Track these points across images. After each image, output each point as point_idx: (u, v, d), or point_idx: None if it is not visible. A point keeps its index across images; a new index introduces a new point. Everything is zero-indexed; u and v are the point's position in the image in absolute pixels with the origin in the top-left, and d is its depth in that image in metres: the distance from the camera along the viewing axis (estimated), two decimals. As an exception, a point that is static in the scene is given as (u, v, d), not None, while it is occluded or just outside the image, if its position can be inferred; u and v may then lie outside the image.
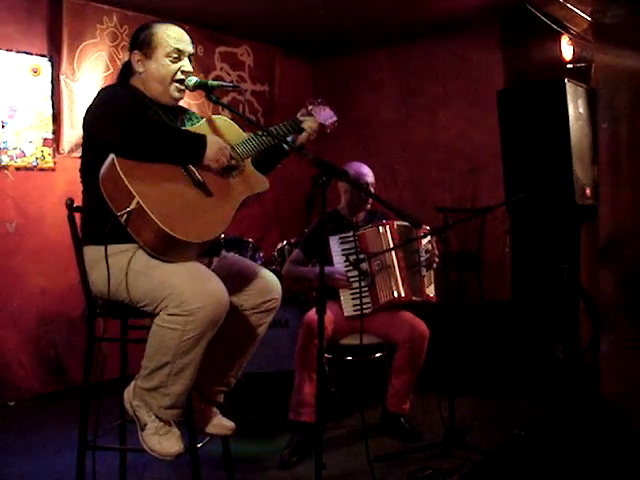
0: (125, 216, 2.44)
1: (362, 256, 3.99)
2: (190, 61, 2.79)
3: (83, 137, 2.75)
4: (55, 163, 5.24)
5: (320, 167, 2.53)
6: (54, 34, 5.21)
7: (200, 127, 2.80)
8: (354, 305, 4.06)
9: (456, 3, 5.70)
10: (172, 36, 2.74)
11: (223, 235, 4.50)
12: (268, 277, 2.89)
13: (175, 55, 2.73)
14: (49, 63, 5.19)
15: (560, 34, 5.50)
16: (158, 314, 2.51)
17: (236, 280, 2.80)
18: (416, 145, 6.83)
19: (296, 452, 3.80)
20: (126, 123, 2.48)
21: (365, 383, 4.69)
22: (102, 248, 2.58)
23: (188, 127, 2.83)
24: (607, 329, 4.02)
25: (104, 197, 2.50)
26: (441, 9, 5.84)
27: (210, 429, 2.86)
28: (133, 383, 2.66)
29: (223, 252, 2.95)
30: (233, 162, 2.68)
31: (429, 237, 4.16)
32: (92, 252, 2.67)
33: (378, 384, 4.43)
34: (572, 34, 5.40)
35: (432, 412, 4.03)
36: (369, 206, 4.39)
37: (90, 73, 5.34)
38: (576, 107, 4.53)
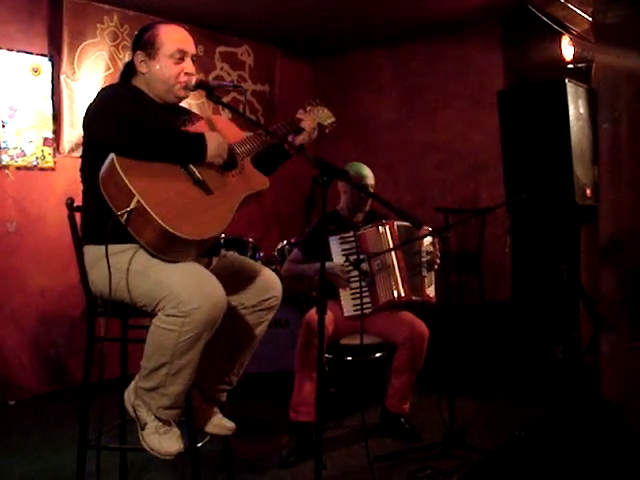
0: (125, 215, 2.44)
1: (362, 256, 3.99)
2: (193, 61, 2.79)
3: (83, 137, 2.75)
4: (55, 163, 5.24)
5: (320, 167, 2.53)
6: (54, 34, 5.21)
7: (199, 127, 2.80)
8: (354, 305, 4.06)
9: (457, 3, 5.70)
10: (175, 37, 2.75)
11: (223, 235, 4.53)
12: (268, 275, 2.89)
13: (178, 56, 2.73)
14: (49, 63, 5.19)
15: (561, 34, 5.50)
16: (157, 314, 2.51)
17: (236, 278, 2.80)
18: (416, 145, 6.83)
19: (296, 452, 3.79)
20: (126, 122, 2.48)
21: (365, 383, 4.69)
22: (102, 248, 2.57)
23: (188, 127, 2.83)
24: (607, 330, 4.01)
25: (104, 197, 2.50)
26: (442, 9, 5.85)
27: (210, 429, 2.86)
28: (133, 383, 2.66)
29: (223, 251, 2.95)
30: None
31: (430, 238, 4.16)
32: (92, 252, 2.67)
33: (378, 384, 4.43)
34: (573, 34, 5.40)
35: (432, 412, 4.03)
36: (367, 207, 4.38)
37: (90, 73, 5.35)
38: (576, 107, 4.54)
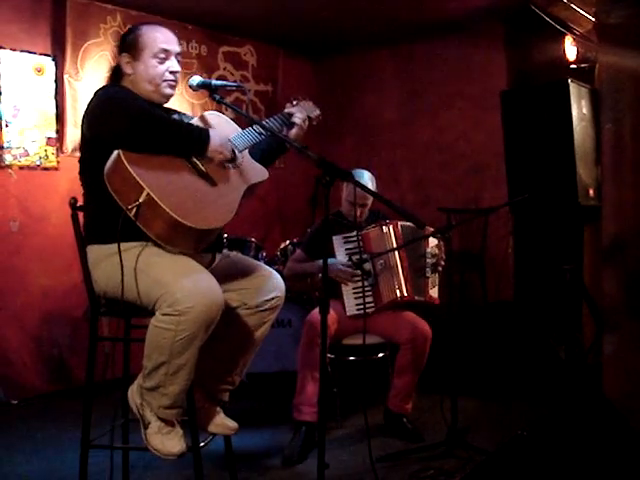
0: (135, 209, 2.45)
1: (365, 256, 3.99)
2: (178, 60, 2.81)
3: (82, 138, 2.74)
4: (58, 162, 5.25)
5: (323, 167, 2.53)
6: (58, 34, 5.22)
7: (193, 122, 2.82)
8: (357, 305, 4.06)
9: (460, 3, 5.70)
10: (158, 37, 2.77)
11: (226, 235, 4.53)
12: (271, 275, 2.90)
13: (162, 55, 2.75)
14: (53, 62, 5.20)
15: (564, 35, 5.50)
16: (155, 313, 2.52)
17: (239, 279, 2.80)
18: (419, 145, 6.83)
19: (299, 451, 3.80)
20: (137, 114, 2.51)
21: (367, 383, 4.69)
22: (105, 247, 2.61)
23: None
24: (610, 330, 4.01)
25: (110, 193, 2.51)
26: (444, 9, 5.84)
27: (213, 429, 2.87)
28: (137, 382, 2.67)
29: (225, 251, 2.95)
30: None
31: (436, 240, 4.16)
32: (95, 251, 2.69)
33: (380, 384, 4.43)
34: (576, 35, 5.39)
35: (434, 412, 4.03)
36: (365, 215, 4.35)
37: (94, 72, 5.35)
38: (579, 108, 4.53)
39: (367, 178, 4.31)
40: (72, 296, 5.13)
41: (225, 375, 2.90)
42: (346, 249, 4.08)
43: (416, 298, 4.09)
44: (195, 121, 2.84)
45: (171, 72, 2.76)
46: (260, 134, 2.86)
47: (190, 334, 2.47)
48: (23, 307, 5.06)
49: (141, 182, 2.43)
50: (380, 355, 4.36)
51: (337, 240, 4.09)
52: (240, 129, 2.88)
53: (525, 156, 4.68)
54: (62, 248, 5.01)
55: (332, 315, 3.89)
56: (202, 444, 2.72)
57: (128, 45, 2.77)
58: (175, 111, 2.95)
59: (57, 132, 5.23)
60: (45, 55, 5.17)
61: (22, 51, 5.03)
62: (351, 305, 4.07)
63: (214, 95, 2.82)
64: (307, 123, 3.07)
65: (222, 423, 2.88)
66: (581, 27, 5.24)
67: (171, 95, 2.83)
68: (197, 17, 5.93)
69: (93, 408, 2.77)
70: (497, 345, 5.29)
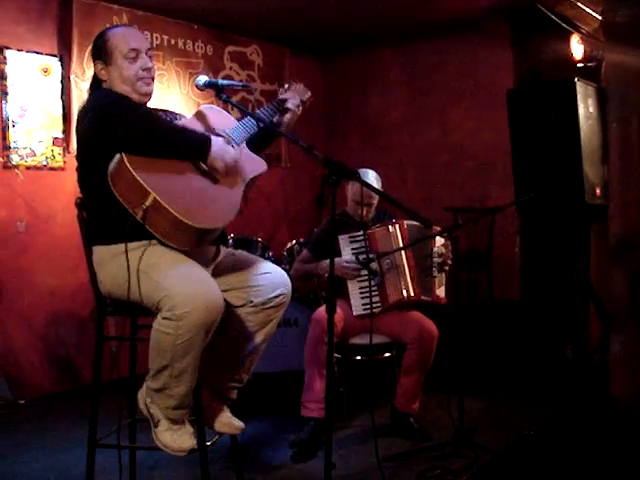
0: (142, 213, 2.46)
1: (372, 255, 3.99)
2: (149, 56, 2.80)
3: (79, 144, 2.74)
4: (65, 162, 5.25)
5: (330, 167, 2.53)
6: (64, 34, 5.23)
7: (190, 121, 2.81)
8: (363, 304, 4.06)
9: (466, 2, 5.70)
10: (125, 38, 2.76)
11: (232, 235, 4.54)
12: (277, 273, 2.89)
13: (132, 55, 2.74)
14: (59, 63, 5.21)
15: (570, 33, 5.49)
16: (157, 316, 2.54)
17: (245, 276, 2.80)
18: (425, 144, 6.82)
19: (306, 446, 3.84)
20: (135, 118, 2.51)
21: (374, 383, 4.69)
22: (110, 248, 2.63)
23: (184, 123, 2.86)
24: (617, 329, 4.00)
25: (110, 194, 2.51)
26: (451, 8, 5.84)
27: (219, 428, 2.87)
28: (145, 383, 2.67)
29: (231, 249, 2.96)
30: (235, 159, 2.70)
31: (443, 240, 4.15)
32: (99, 252, 2.69)
33: (387, 384, 4.43)
34: (582, 33, 5.38)
35: (441, 412, 4.03)
36: (371, 215, 4.34)
37: (100, 73, 5.36)
38: (586, 106, 4.52)
39: (372, 177, 4.31)
40: (79, 296, 5.15)
41: (233, 373, 2.90)
42: (352, 248, 4.08)
43: (423, 298, 4.09)
44: (190, 118, 2.85)
45: (144, 69, 2.76)
46: (256, 124, 2.87)
47: (190, 338, 2.47)
48: (30, 307, 5.07)
49: (146, 187, 2.44)
50: (387, 355, 4.35)
51: (343, 239, 4.09)
52: (236, 121, 2.89)
53: (532, 155, 4.66)
54: (69, 248, 5.02)
55: (339, 313, 3.89)
56: (209, 443, 2.72)
57: (98, 52, 2.76)
58: (162, 110, 2.94)
59: (64, 132, 5.24)
60: (51, 55, 5.18)
61: (29, 51, 5.04)
62: (358, 305, 4.07)
63: (220, 95, 2.82)
64: (300, 108, 3.10)
65: (229, 422, 2.88)
66: (588, 26, 5.23)
67: (150, 92, 2.81)
68: (203, 17, 5.94)
69: (100, 407, 2.78)
70: (504, 344, 5.28)
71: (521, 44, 6.18)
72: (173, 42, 5.91)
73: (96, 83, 2.83)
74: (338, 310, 3.81)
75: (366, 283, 4.03)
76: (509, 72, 6.20)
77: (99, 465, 2.83)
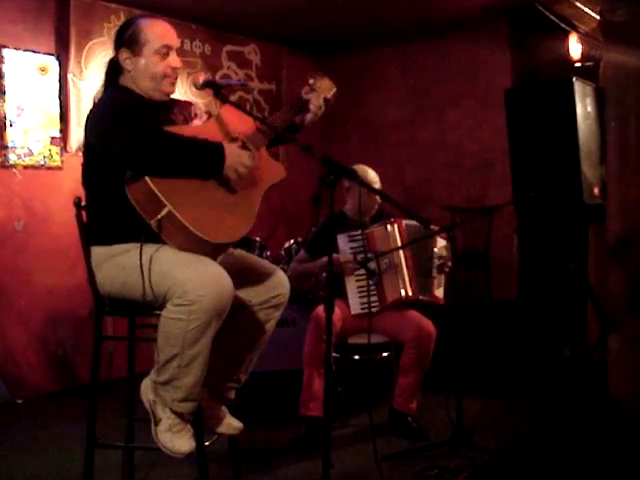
0: (157, 223, 2.45)
1: (370, 255, 3.99)
2: (177, 55, 2.78)
3: (85, 144, 2.73)
4: (63, 162, 5.25)
5: (328, 166, 2.53)
6: (62, 33, 5.22)
7: (209, 126, 2.79)
8: (361, 304, 4.06)
9: (464, 2, 5.69)
10: (160, 32, 2.73)
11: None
12: (275, 272, 2.89)
13: (164, 51, 2.71)
14: (57, 62, 5.20)
15: (568, 33, 5.49)
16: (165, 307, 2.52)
17: (243, 276, 2.79)
18: (424, 144, 6.82)
19: (305, 445, 3.86)
20: (143, 139, 2.45)
21: (372, 382, 4.69)
22: (107, 249, 2.63)
23: (195, 126, 2.84)
24: (615, 329, 4.01)
25: (121, 199, 2.50)
26: (449, 8, 5.84)
27: (218, 428, 2.86)
28: (149, 377, 2.66)
29: (230, 249, 2.95)
30: (252, 164, 2.67)
31: (444, 242, 4.15)
32: (97, 253, 2.69)
33: (385, 383, 4.43)
34: (581, 32, 5.38)
35: (439, 411, 4.03)
36: (374, 212, 4.35)
37: (98, 72, 5.34)
38: (584, 106, 4.52)
39: (372, 175, 4.31)
40: (77, 295, 5.14)
41: (231, 373, 2.89)
42: (350, 247, 4.08)
43: (421, 297, 4.09)
44: (209, 121, 2.82)
45: (172, 68, 2.74)
46: (275, 129, 2.82)
47: (202, 323, 2.45)
48: (28, 306, 5.07)
49: (162, 198, 2.42)
50: (385, 354, 4.36)
51: (342, 238, 4.09)
52: (255, 125, 2.81)
53: (530, 154, 4.66)
54: (66, 247, 5.02)
55: (337, 313, 3.90)
56: (207, 443, 2.72)
57: (127, 40, 2.70)
58: (177, 102, 2.92)
59: (61, 131, 5.24)
60: (49, 54, 5.17)
61: (26, 50, 5.03)
62: (356, 304, 4.07)
63: (218, 94, 2.80)
64: (322, 110, 3.03)
65: (227, 423, 2.88)
66: (586, 25, 5.23)
67: (172, 92, 2.79)
68: (201, 16, 5.93)
69: (98, 407, 2.77)
70: (502, 344, 5.29)
71: (519, 43, 6.18)
72: (171, 41, 5.90)
73: (113, 73, 2.79)
74: (336, 309, 3.81)
75: (364, 282, 4.03)
76: (507, 71, 6.20)
77: (97, 464, 2.82)
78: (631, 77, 3.89)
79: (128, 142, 2.44)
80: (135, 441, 3.10)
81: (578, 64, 5.54)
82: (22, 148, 5.01)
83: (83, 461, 2.78)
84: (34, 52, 5.08)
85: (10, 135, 4.94)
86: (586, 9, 4.78)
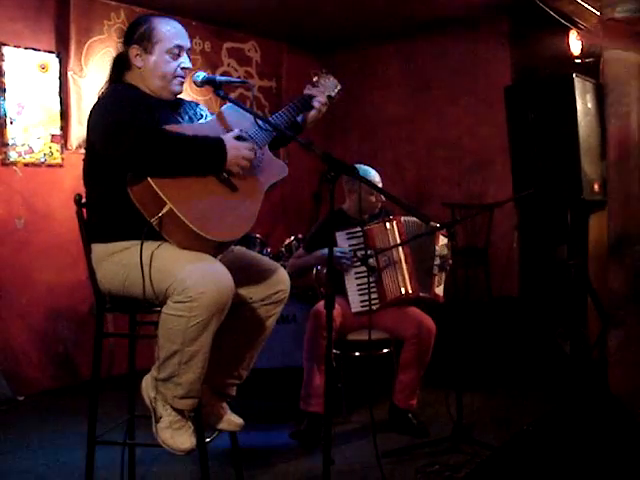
0: (157, 221, 2.45)
1: (369, 252, 3.99)
2: (188, 56, 2.79)
3: (87, 141, 2.73)
4: (63, 159, 5.26)
5: (328, 163, 2.53)
6: (62, 30, 5.23)
7: (210, 124, 2.79)
8: (361, 301, 4.06)
9: (464, -1, 5.70)
10: (172, 32, 2.73)
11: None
12: (276, 269, 2.89)
13: (176, 51, 2.72)
14: (57, 59, 5.21)
15: (568, 29, 5.48)
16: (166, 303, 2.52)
17: (244, 273, 2.80)
18: (423, 141, 6.83)
19: (305, 439, 3.88)
20: (144, 140, 2.44)
21: (372, 379, 4.69)
22: (107, 246, 2.63)
23: (195, 122, 2.84)
24: (615, 325, 4.01)
25: (122, 196, 2.50)
26: (449, 5, 5.83)
27: (218, 425, 2.87)
28: (150, 374, 2.66)
29: (231, 246, 2.95)
30: (253, 155, 2.68)
31: (446, 240, 4.14)
32: (98, 250, 2.69)
33: (386, 380, 4.43)
34: (581, 29, 5.38)
35: (440, 408, 4.03)
36: (377, 210, 4.35)
37: (98, 69, 5.35)
38: (584, 102, 4.52)
39: (373, 174, 4.31)
40: (77, 292, 5.15)
41: (232, 369, 2.90)
42: (350, 245, 4.08)
43: (421, 295, 4.09)
44: (212, 120, 2.83)
45: (182, 68, 2.74)
46: (278, 127, 2.82)
47: (202, 320, 2.46)
48: (29, 303, 5.07)
49: (163, 196, 2.42)
50: (385, 350, 4.36)
51: (340, 236, 4.08)
52: (257, 124, 2.81)
53: (530, 151, 4.66)
54: (67, 244, 5.03)
55: (337, 309, 3.89)
56: (208, 440, 2.73)
57: (140, 37, 2.70)
58: (184, 102, 2.92)
59: (61, 129, 5.24)
60: (49, 52, 5.18)
61: (26, 48, 5.03)
62: (356, 302, 4.07)
63: (218, 91, 2.80)
64: (326, 107, 3.04)
65: (228, 419, 2.88)
66: (586, 21, 5.23)
67: (180, 92, 2.80)
68: (201, 13, 5.93)
69: (99, 404, 2.78)
70: (502, 340, 5.29)
71: (519, 40, 6.18)
72: (171, 38, 5.90)
73: (119, 69, 2.78)
74: (336, 306, 3.80)
75: (364, 280, 4.03)
76: (507, 68, 6.20)
77: (98, 461, 2.83)
78: (631, 73, 3.89)
79: (128, 146, 2.43)
80: (136, 438, 3.10)
81: (578, 60, 5.54)
82: (23, 146, 5.02)
83: (84, 458, 2.78)
84: (34, 50, 5.08)
85: (11, 133, 4.94)
86: (586, 5, 4.78)
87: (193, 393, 2.58)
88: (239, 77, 6.39)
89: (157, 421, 2.61)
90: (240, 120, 2.81)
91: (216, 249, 2.59)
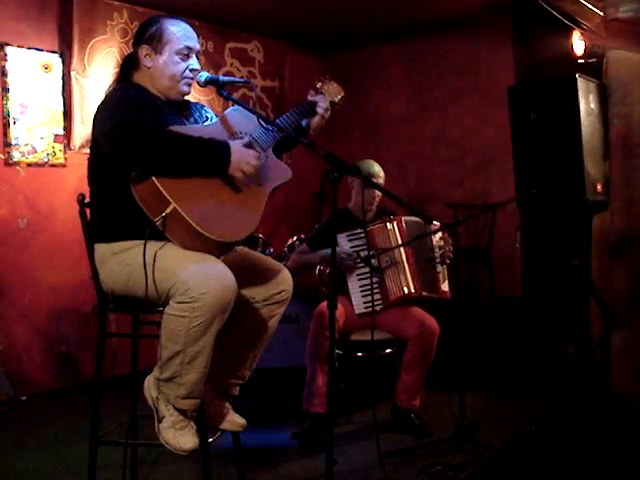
0: (161, 221, 2.46)
1: (371, 252, 3.99)
2: (197, 58, 2.79)
3: (92, 140, 2.73)
4: (66, 159, 5.26)
5: (331, 163, 2.53)
6: (65, 30, 5.23)
7: (216, 125, 2.79)
8: (365, 302, 4.05)
9: (467, -1, 5.69)
10: (182, 33, 2.74)
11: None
12: (278, 269, 2.89)
13: (185, 52, 2.73)
14: (60, 59, 5.21)
15: (571, 29, 5.48)
16: (169, 304, 2.52)
17: (247, 273, 2.80)
18: (426, 140, 6.83)
19: (308, 440, 3.87)
20: (150, 141, 2.44)
21: (375, 379, 4.69)
22: (110, 246, 2.63)
23: (200, 123, 2.85)
24: (619, 326, 4.00)
25: (126, 196, 2.51)
26: (452, 4, 5.83)
27: (221, 424, 2.87)
28: (152, 374, 2.66)
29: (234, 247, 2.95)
30: (258, 163, 2.67)
31: (440, 233, 4.14)
32: (101, 250, 2.70)
33: (388, 380, 4.43)
34: (584, 29, 5.37)
35: (442, 408, 4.03)
36: (374, 207, 4.35)
37: (101, 69, 5.36)
38: (587, 103, 4.52)
39: (377, 169, 4.31)
40: (80, 292, 5.15)
41: (234, 369, 2.90)
42: (351, 246, 4.07)
43: (424, 294, 4.09)
44: (215, 123, 2.83)
45: (191, 70, 2.75)
46: (283, 130, 2.83)
47: (205, 320, 2.46)
48: (31, 303, 5.08)
49: (167, 195, 2.42)
50: (388, 351, 4.36)
51: (342, 238, 4.08)
52: (261, 126, 2.81)
53: (533, 151, 4.67)
54: (70, 244, 5.03)
55: (340, 309, 3.90)
56: (210, 440, 2.73)
57: (150, 37, 2.71)
58: (191, 104, 2.92)
59: (64, 129, 5.24)
60: (52, 52, 5.18)
61: (29, 48, 5.04)
62: (359, 303, 4.06)
63: (221, 91, 2.80)
64: (329, 112, 3.05)
65: (230, 419, 2.88)
66: (589, 21, 5.22)
67: (188, 93, 2.81)
68: (204, 13, 5.93)
69: (101, 404, 2.78)
70: (505, 341, 5.28)
71: (522, 40, 6.18)
72: (174, 38, 5.90)
73: (127, 69, 2.79)
74: (339, 306, 3.82)
75: (366, 281, 4.03)
76: (510, 68, 6.20)
77: (101, 461, 2.83)
78: (634, 74, 3.88)
79: (134, 145, 2.44)
80: (138, 438, 3.10)
81: (581, 61, 5.53)
82: (26, 145, 5.02)
83: (87, 458, 2.79)
84: (37, 50, 5.09)
85: (14, 132, 4.94)
86: (589, 5, 4.77)
87: (196, 393, 2.58)
88: (242, 77, 6.40)
89: (159, 421, 2.61)
90: (245, 122, 2.81)
91: (219, 250, 2.58)
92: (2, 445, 4.02)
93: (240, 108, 2.85)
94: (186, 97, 2.87)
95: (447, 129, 6.69)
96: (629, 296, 3.94)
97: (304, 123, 3.04)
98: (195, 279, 2.44)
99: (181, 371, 2.52)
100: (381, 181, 4.28)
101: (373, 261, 3.99)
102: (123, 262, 2.60)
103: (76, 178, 5.15)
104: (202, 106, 3.00)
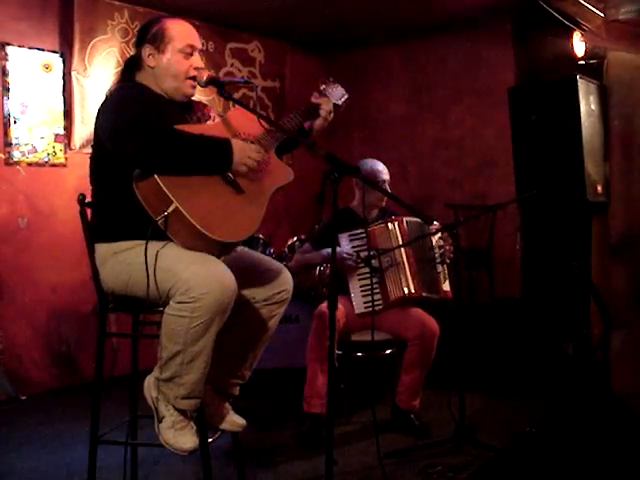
0: (163, 220, 2.46)
1: (372, 253, 3.99)
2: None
3: (94, 138, 2.73)
4: (66, 159, 5.26)
5: (332, 163, 2.53)
6: (65, 30, 5.23)
7: (217, 126, 2.79)
8: (365, 302, 4.05)
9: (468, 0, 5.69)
10: (185, 32, 2.75)
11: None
12: (279, 269, 2.90)
13: (188, 51, 2.74)
14: (60, 59, 5.21)
15: (572, 30, 5.48)
16: (169, 304, 2.53)
17: (247, 273, 2.80)
18: (427, 141, 6.83)
19: (308, 440, 3.88)
20: (154, 141, 2.46)
21: (375, 379, 4.69)
22: (111, 245, 2.63)
23: (207, 125, 2.85)
24: (618, 326, 4.01)
25: (128, 196, 2.51)
26: (452, 5, 5.83)
27: (221, 425, 2.87)
28: (152, 374, 2.67)
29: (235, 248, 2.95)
30: (260, 157, 2.68)
31: (440, 233, 4.14)
32: (101, 250, 2.70)
33: (388, 381, 4.43)
34: (584, 30, 5.37)
35: (442, 409, 4.03)
36: (384, 203, 4.37)
37: (101, 69, 5.36)
38: (588, 104, 4.52)
39: (381, 167, 4.32)
40: (80, 292, 5.15)
41: (235, 369, 2.90)
42: (352, 246, 4.08)
43: (424, 294, 4.09)
44: (217, 122, 2.82)
45: (195, 68, 2.75)
46: (285, 131, 2.82)
47: (205, 320, 2.46)
48: (32, 303, 5.08)
49: (169, 194, 2.43)
50: (388, 351, 4.36)
51: (343, 238, 4.09)
52: (264, 127, 2.81)
53: (533, 152, 4.66)
54: (70, 244, 5.03)
55: (340, 309, 3.90)
56: (210, 440, 2.73)
57: (153, 37, 2.72)
58: (195, 104, 2.93)
59: (65, 129, 5.24)
60: (53, 52, 5.18)
61: (30, 48, 5.04)
62: (359, 303, 4.07)
63: (222, 91, 2.80)
64: (332, 115, 3.06)
65: (230, 419, 2.89)
66: (590, 23, 5.22)
67: (192, 94, 2.81)
68: (204, 13, 5.93)
69: (101, 404, 2.78)
70: (505, 342, 5.28)
71: (523, 41, 6.18)
72: (174, 39, 5.90)
73: (130, 70, 2.80)
74: (340, 306, 3.82)
75: (367, 281, 4.03)
76: (510, 69, 6.20)
77: (101, 461, 2.83)
78: (635, 75, 3.89)
79: (137, 144, 2.44)
80: (138, 438, 3.11)
81: (582, 62, 5.53)
82: (26, 145, 5.02)
83: (87, 457, 2.79)
84: (38, 49, 5.09)
85: (14, 132, 4.95)
86: (590, 6, 4.77)
87: (195, 393, 2.58)
88: (242, 77, 6.39)
89: (159, 421, 2.62)
90: (247, 123, 2.81)
91: (220, 250, 2.59)
92: (2, 445, 4.02)
93: (242, 109, 2.85)
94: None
95: (447, 130, 6.69)
96: (629, 297, 3.95)
97: (307, 125, 3.04)
98: (196, 279, 2.44)
99: (181, 371, 2.53)
100: (385, 177, 4.29)
101: (374, 261, 3.99)
102: (124, 262, 2.61)
103: (76, 178, 5.15)
104: (204, 105, 3.00)
